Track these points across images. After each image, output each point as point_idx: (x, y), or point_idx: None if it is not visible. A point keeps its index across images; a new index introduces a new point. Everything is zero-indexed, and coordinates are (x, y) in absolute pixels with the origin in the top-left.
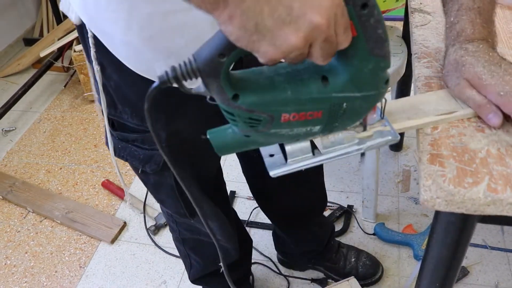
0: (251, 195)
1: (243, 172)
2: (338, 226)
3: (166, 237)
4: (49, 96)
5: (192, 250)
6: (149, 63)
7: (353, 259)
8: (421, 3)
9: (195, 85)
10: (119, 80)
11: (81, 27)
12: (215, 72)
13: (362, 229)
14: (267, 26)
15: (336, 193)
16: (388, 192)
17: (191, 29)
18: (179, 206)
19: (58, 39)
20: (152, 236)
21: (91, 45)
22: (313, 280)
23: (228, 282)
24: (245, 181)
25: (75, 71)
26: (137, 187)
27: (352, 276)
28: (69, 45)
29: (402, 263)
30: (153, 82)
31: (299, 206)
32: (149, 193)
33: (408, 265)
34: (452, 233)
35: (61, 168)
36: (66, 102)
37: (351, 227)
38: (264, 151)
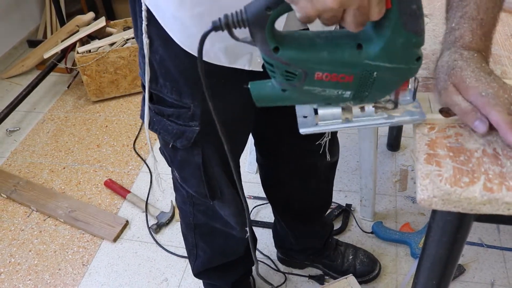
0: (251, 194)
1: (257, 160)
2: (336, 225)
3: (167, 236)
4: (52, 97)
5: (202, 238)
6: (195, 39)
7: (350, 257)
8: None
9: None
10: (164, 54)
11: (134, 1)
12: (261, 24)
13: (360, 227)
14: None
15: (335, 192)
16: (386, 191)
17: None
18: (201, 186)
19: (62, 41)
20: (153, 234)
21: (143, 18)
22: (310, 277)
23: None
24: (244, 180)
25: (78, 72)
26: (139, 187)
27: (351, 274)
28: (72, 47)
29: (400, 261)
30: (194, 60)
31: (307, 201)
32: (152, 194)
33: (405, 263)
34: (449, 232)
35: (64, 168)
36: (69, 103)
37: (349, 225)
38: (299, 112)
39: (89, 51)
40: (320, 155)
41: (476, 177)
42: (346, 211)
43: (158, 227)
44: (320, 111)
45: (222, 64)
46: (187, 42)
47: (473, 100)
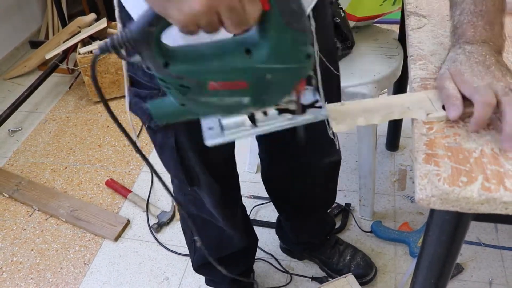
0: (251, 194)
1: (260, 155)
2: (336, 224)
3: (168, 235)
4: (54, 97)
5: (197, 228)
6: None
7: (348, 257)
8: (416, 7)
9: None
10: None
11: None
12: (147, 41)
13: (359, 226)
14: None
15: None
16: (385, 190)
17: None
18: (178, 169)
19: (63, 42)
20: (154, 234)
21: (115, 6)
22: (313, 278)
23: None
24: (244, 180)
25: (80, 73)
26: (140, 186)
27: (350, 273)
28: (74, 48)
29: (398, 260)
30: None
31: (305, 198)
32: (153, 193)
33: (404, 262)
34: (447, 231)
35: (66, 168)
36: (71, 103)
37: (348, 225)
38: (204, 124)
39: (91, 51)
40: (317, 154)
41: (474, 176)
42: (345, 211)
43: (159, 226)
44: (224, 122)
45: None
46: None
47: (465, 91)
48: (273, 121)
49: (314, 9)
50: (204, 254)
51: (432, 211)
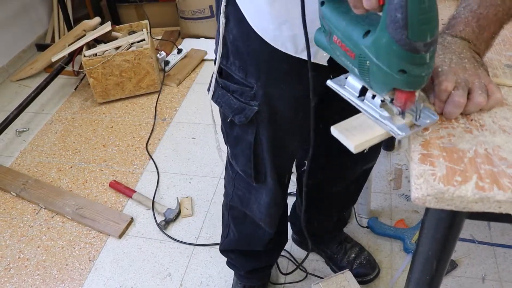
0: None
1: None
2: (347, 222)
3: (175, 231)
4: (60, 98)
5: (234, 221)
6: (266, 24)
7: (352, 255)
8: None
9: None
10: (237, 34)
11: None
12: None
13: (357, 221)
14: None
15: None
16: (381, 189)
17: (309, 2)
18: (248, 165)
19: (69, 45)
20: (163, 230)
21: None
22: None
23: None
24: None
25: (85, 75)
26: (144, 185)
27: (347, 269)
28: (79, 51)
29: (394, 257)
30: (263, 43)
31: (334, 199)
32: (156, 191)
33: (400, 258)
34: (442, 229)
35: (71, 167)
36: (76, 104)
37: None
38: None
39: (96, 54)
40: (361, 162)
41: (468, 176)
42: None
43: (167, 223)
44: (349, 77)
45: (288, 52)
46: (259, 24)
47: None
48: (373, 106)
49: None
50: (233, 242)
51: (428, 209)
